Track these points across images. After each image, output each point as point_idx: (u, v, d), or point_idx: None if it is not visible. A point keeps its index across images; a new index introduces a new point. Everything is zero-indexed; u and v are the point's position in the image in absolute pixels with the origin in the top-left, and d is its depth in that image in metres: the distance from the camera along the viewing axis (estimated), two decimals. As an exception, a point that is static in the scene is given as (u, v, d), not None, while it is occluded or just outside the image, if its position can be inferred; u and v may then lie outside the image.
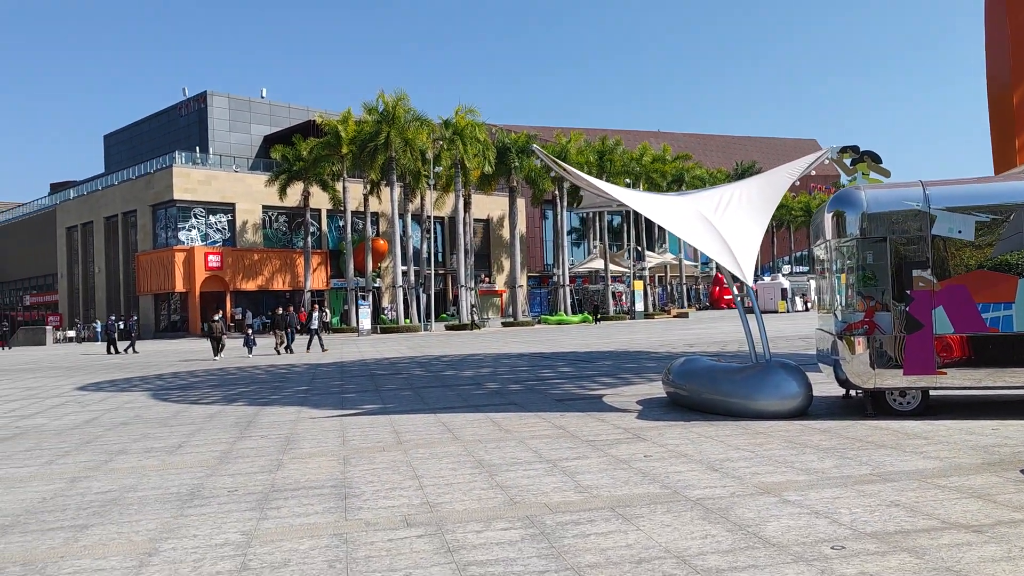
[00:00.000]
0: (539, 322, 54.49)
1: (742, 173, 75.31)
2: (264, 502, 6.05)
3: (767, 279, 69.36)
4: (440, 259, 64.41)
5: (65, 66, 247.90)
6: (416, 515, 5.51)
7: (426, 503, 5.83)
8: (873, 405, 8.96)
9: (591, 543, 4.72)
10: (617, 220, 75.50)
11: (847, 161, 10.54)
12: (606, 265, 61.05)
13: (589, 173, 58.99)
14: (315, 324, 27.38)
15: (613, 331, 37.75)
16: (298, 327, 28.61)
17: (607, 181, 59.66)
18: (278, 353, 25.86)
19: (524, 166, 53.93)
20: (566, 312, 57.32)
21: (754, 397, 9.15)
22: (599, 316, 54.89)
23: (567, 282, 58.84)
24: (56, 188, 79.83)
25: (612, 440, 8.11)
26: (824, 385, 10.66)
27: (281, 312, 27.92)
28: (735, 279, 10.33)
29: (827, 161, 10.78)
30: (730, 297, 68.49)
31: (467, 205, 54.08)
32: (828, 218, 9.29)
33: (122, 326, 33.18)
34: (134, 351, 31.81)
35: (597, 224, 67.76)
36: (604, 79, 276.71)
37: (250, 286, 54.24)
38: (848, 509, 5.26)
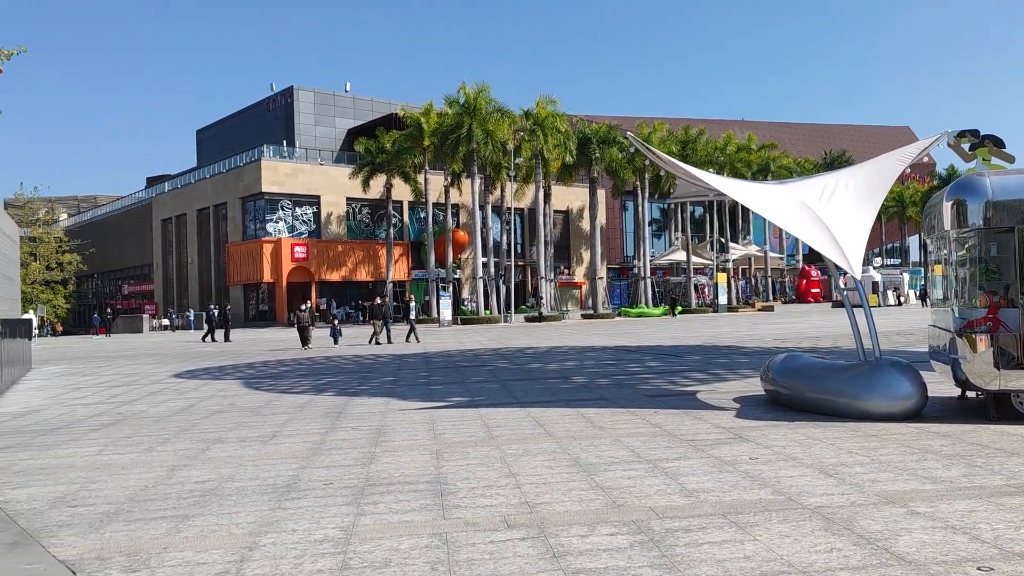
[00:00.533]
0: (619, 314, 53.86)
1: (831, 163, 72.73)
2: (360, 497, 5.95)
3: (857, 272, 66.79)
4: (519, 250, 64.37)
5: (160, 65, 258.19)
6: (516, 516, 5.31)
7: (525, 503, 5.63)
8: (996, 408, 8.33)
9: (706, 553, 4.43)
10: (699, 211, 73.96)
11: (965, 146, 9.83)
12: (688, 257, 59.86)
13: (672, 163, 57.98)
14: (413, 315, 27.60)
15: (696, 324, 36.95)
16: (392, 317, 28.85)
17: (690, 171, 58.64)
18: (378, 343, 25.77)
19: (605, 156, 53.28)
20: (647, 305, 56.49)
21: (864, 397, 8.62)
22: (677, 309, 53.81)
23: (648, 274, 57.93)
24: (152, 182, 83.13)
25: (713, 440, 7.76)
26: (937, 385, 10.01)
27: (378, 302, 27.94)
28: (840, 271, 9.78)
29: (943, 146, 10.08)
30: (817, 291, 66.51)
31: (547, 196, 53.76)
32: (947, 207, 8.66)
33: (216, 315, 34.13)
34: (226, 339, 32.78)
35: (679, 215, 66.39)
36: (686, 69, 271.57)
37: (334, 277, 55.34)
38: (988, 524, 4.80)
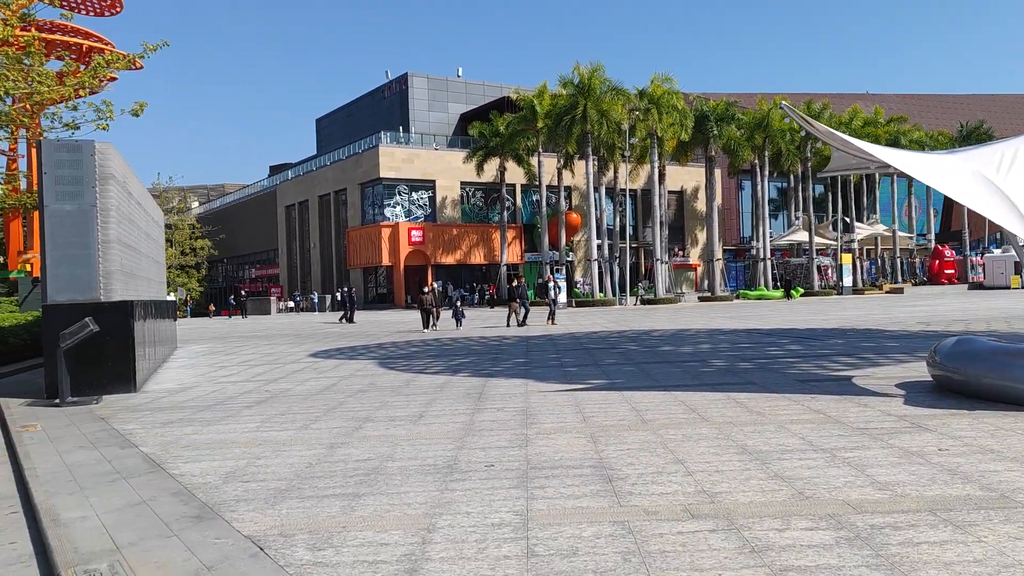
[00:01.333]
0: (738, 297, 52.34)
1: (968, 135, 68.08)
2: (525, 480, 5.80)
3: (996, 251, 62.47)
4: (632, 233, 63.42)
5: (282, 58, 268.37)
6: (697, 505, 5.02)
7: (702, 492, 5.33)
8: None
9: (927, 554, 4.01)
10: (819, 190, 70.89)
11: None
12: (811, 237, 57.41)
13: (793, 140, 55.60)
14: (552, 295, 27.75)
15: (823, 307, 35.36)
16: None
17: (813, 147, 55.88)
18: (519, 325, 25.74)
19: (723, 134, 51.74)
20: (766, 287, 54.62)
21: (1057, 385, 7.84)
22: (795, 292, 51.66)
23: (767, 255, 55.98)
24: (275, 170, 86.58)
25: (888, 429, 7.20)
26: None
27: (515, 284, 27.77)
28: None
29: None
30: (952, 272, 62.57)
31: (661, 176, 52.65)
32: None
33: (339, 297, 35.15)
34: (350, 320, 33.73)
35: (799, 194, 63.74)
36: (807, 44, 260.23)
37: (449, 260, 56.13)
38: None
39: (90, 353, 11.67)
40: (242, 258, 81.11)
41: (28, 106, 20.74)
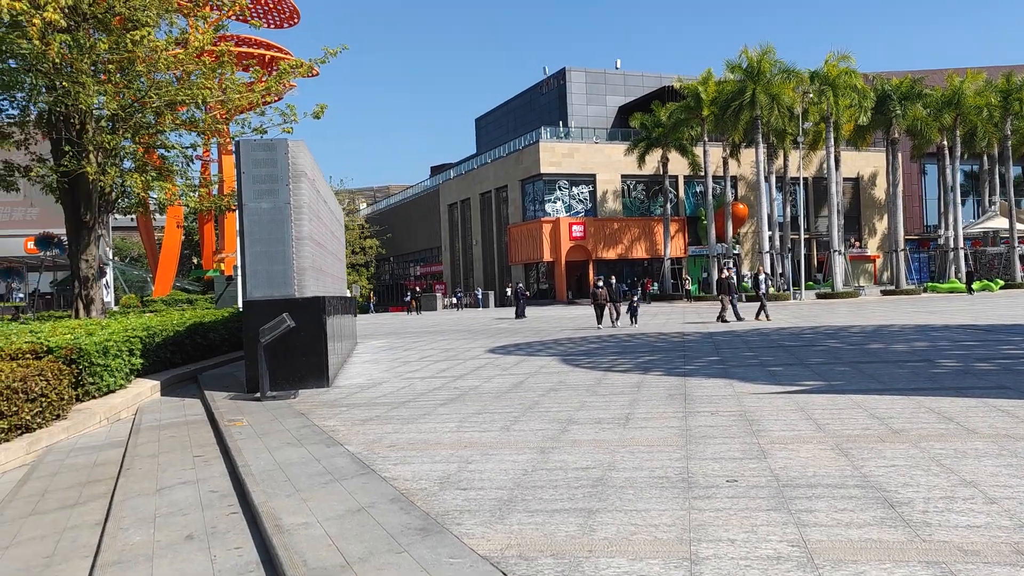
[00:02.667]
0: (925, 290, 48.17)
1: None
2: (783, 501, 4.99)
3: None
4: (801, 223, 59.87)
5: (440, 61, 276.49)
6: (1026, 544, 4.04)
7: (1022, 525, 4.32)
8: None
9: None
10: (1017, 171, 64.28)
11: None
12: (1012, 223, 51.93)
13: (990, 117, 50.48)
14: (763, 288, 25.81)
15: (998, 302, 31.63)
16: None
17: (1016, 123, 50.51)
18: (724, 320, 24.14)
19: (908, 114, 47.71)
20: (959, 279, 49.97)
21: None
22: (977, 284, 46.45)
23: (959, 245, 51.21)
24: (436, 170, 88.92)
25: None
26: None
27: (725, 275, 25.41)
28: None
29: None
30: None
31: (836, 162, 49.31)
32: None
33: (508, 292, 35.09)
34: (521, 316, 33.68)
35: (993, 177, 57.93)
36: (999, 14, 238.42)
37: (610, 255, 55.27)
38: None
39: (286, 348, 11.86)
40: (407, 256, 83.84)
41: (220, 114, 21.90)
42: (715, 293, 25.28)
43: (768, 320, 24.23)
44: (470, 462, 6.54)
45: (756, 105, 43.14)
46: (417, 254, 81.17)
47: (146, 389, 12.37)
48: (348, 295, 21.88)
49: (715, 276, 48.48)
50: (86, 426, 10.16)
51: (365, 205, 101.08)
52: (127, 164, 20.64)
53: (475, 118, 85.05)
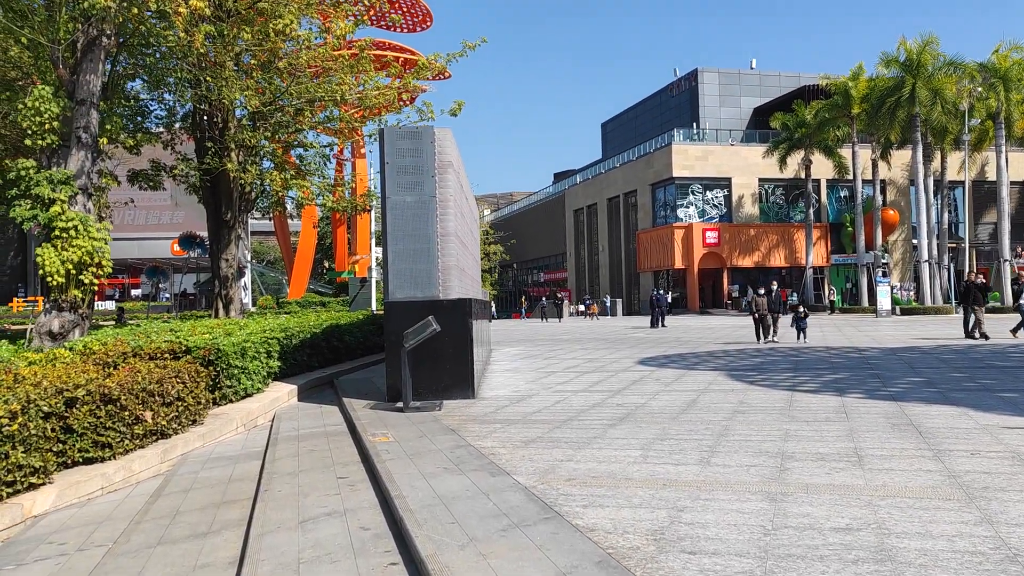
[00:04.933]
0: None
1: None
2: None
3: None
4: (957, 231, 54.90)
5: (565, 65, 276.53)
6: None
7: None
8: None
9: None
10: None
11: None
12: None
13: None
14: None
15: None
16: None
17: None
18: (975, 337, 19.95)
19: (1094, 109, 42.74)
20: None
21: None
22: None
23: None
24: (559, 177, 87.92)
25: None
26: None
27: (973, 279, 21.45)
28: None
29: None
30: None
31: (998, 165, 44.79)
32: None
33: (662, 298, 33.19)
34: (662, 325, 31.97)
35: None
36: None
37: (746, 263, 52.46)
38: None
39: (429, 354, 10.80)
40: (530, 263, 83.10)
41: (357, 113, 21.43)
42: (957, 302, 21.24)
43: (1019, 338, 19.89)
44: (682, 510, 5.12)
45: (915, 101, 39.60)
46: (541, 260, 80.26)
47: (283, 394, 11.61)
48: (486, 298, 20.90)
49: (868, 285, 44.95)
50: (222, 433, 9.39)
51: (489, 211, 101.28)
52: (266, 164, 20.44)
53: (601, 123, 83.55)
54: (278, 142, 18.82)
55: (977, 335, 19.84)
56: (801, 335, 20.34)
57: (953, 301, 41.73)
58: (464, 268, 13.54)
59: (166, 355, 9.61)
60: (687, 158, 52.53)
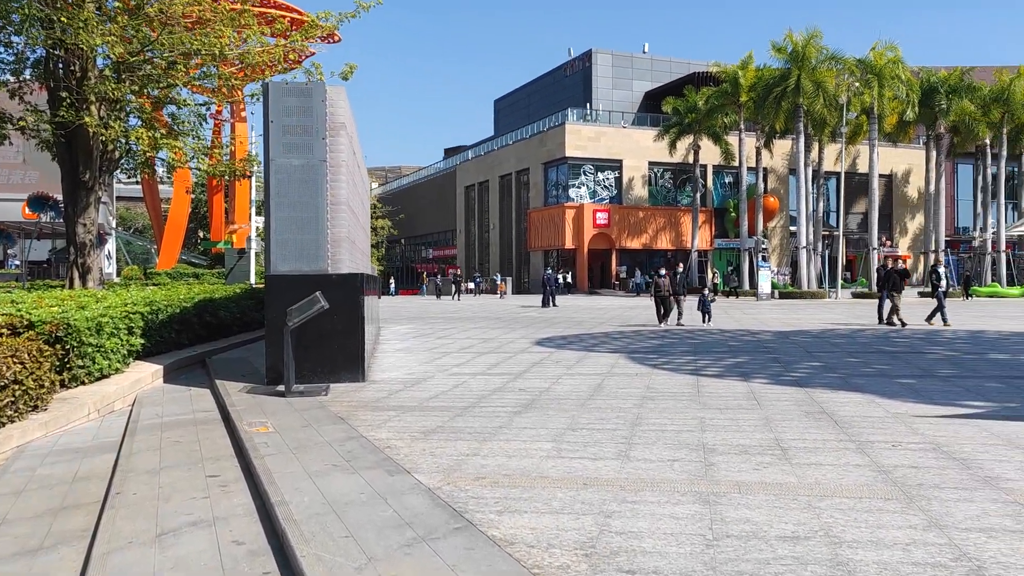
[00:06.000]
0: (969, 294, 45.91)
1: None
2: None
3: None
4: (828, 219, 57.49)
5: (458, 40, 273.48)
6: None
7: None
8: None
9: None
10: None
11: None
12: (1056, 228, 49.64)
13: (1042, 115, 48.05)
14: (943, 285, 20.97)
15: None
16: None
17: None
18: (896, 324, 19.51)
19: (955, 109, 45.41)
20: (1000, 283, 47.81)
21: None
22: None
23: (1003, 248, 49.02)
24: (450, 152, 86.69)
25: None
26: None
27: (892, 265, 20.96)
28: None
29: None
30: None
31: (870, 158, 47.03)
32: None
33: (552, 277, 32.72)
34: (545, 305, 31.67)
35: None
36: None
37: (634, 244, 53.20)
38: None
39: (316, 333, 9.86)
40: (419, 238, 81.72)
41: (238, 72, 19.85)
42: (875, 288, 20.01)
43: (947, 324, 19.61)
44: (610, 516, 4.52)
45: (800, 92, 40.86)
46: (430, 236, 79.04)
47: (147, 375, 10.38)
48: (375, 273, 19.88)
49: (745, 270, 46.40)
50: (70, 420, 8.17)
51: (377, 185, 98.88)
52: (133, 120, 18.63)
53: (494, 100, 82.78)
54: (147, 97, 17.08)
55: (895, 320, 19.48)
56: (706, 318, 20.15)
57: (827, 285, 43.66)
58: (355, 240, 12.59)
59: (2, 330, 8.27)
60: (580, 138, 52.58)
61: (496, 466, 5.72)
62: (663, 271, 20.31)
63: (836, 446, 6.26)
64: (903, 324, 19.32)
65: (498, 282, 52.59)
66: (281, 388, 9.30)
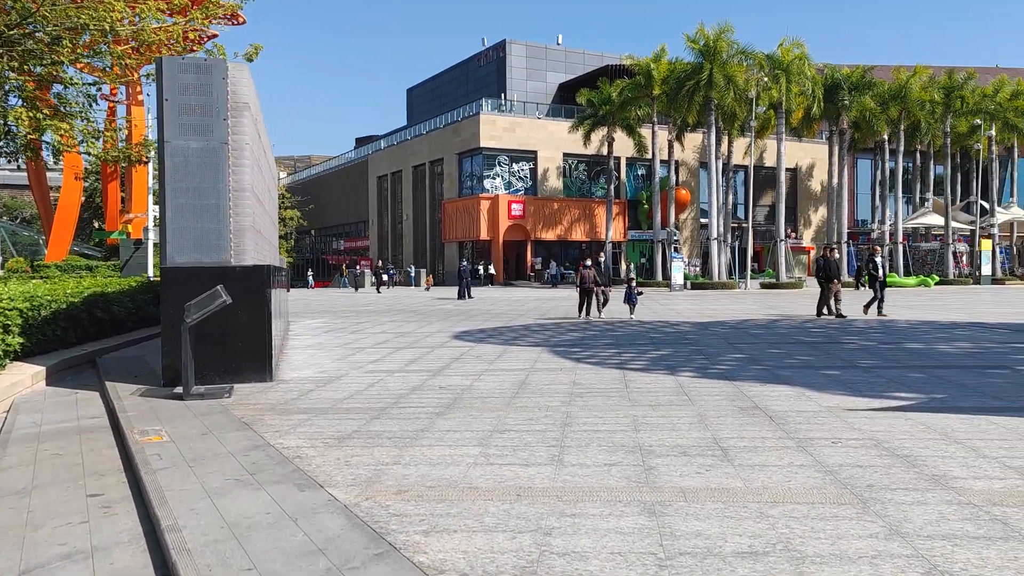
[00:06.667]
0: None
1: None
2: None
3: None
4: (736, 212, 58.94)
5: (368, 28, 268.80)
6: None
7: None
8: None
9: None
10: (939, 169, 65.21)
11: None
12: (947, 220, 52.22)
13: (933, 112, 50.41)
14: (881, 274, 19.63)
15: (984, 297, 31.02)
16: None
17: (954, 121, 50.63)
18: (830, 314, 19.32)
19: (856, 105, 47.02)
20: (897, 274, 49.92)
21: None
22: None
23: (900, 240, 51.17)
24: (361, 142, 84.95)
25: None
26: None
27: (828, 256, 19.80)
28: None
29: None
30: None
31: (778, 152, 48.35)
32: None
33: (468, 269, 32.10)
34: (461, 297, 31.14)
35: (932, 174, 58.51)
36: (927, 10, 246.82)
37: (549, 236, 53.18)
38: None
39: (218, 329, 9.10)
40: (330, 229, 79.82)
41: (131, 50, 18.55)
42: (819, 277, 19.28)
43: (883, 315, 19.31)
44: (549, 532, 4.07)
45: (712, 85, 41.49)
46: (341, 227, 77.26)
47: (26, 377, 9.38)
48: (283, 264, 18.95)
49: (662, 261, 46.95)
50: (-68, 433, 7.21)
51: (285, 174, 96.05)
52: (13, 100, 17.16)
53: (407, 88, 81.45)
54: (28, 75, 15.71)
55: (832, 312, 19.15)
56: (632, 310, 19.61)
57: (737, 276, 44.60)
58: (261, 230, 11.79)
59: None
60: (495, 129, 52.14)
61: (419, 476, 5.20)
62: (588, 262, 19.75)
63: (776, 444, 6.00)
64: (835, 314, 19.01)
65: (413, 273, 51.77)
66: (179, 390, 8.52)
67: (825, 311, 19.38)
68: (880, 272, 19.62)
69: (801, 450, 5.79)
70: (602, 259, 20.46)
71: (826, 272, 19.28)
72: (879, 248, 25.17)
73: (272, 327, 9.78)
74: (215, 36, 26.90)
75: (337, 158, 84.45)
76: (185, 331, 8.30)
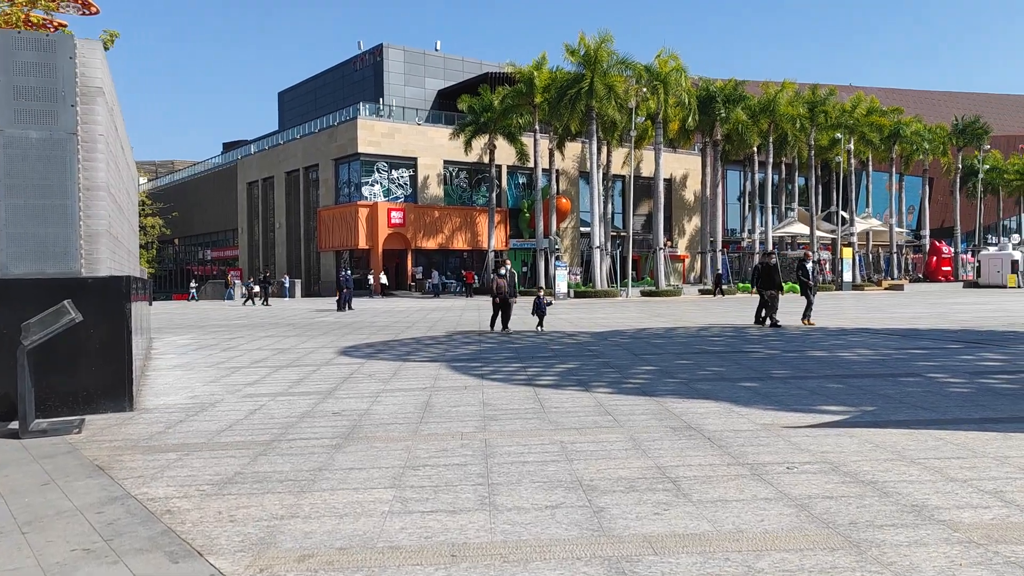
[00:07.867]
0: (739, 291, 49.42)
1: (964, 129, 66.18)
2: None
3: (992, 249, 60.97)
4: (615, 221, 59.91)
5: (238, 29, 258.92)
6: None
7: None
8: None
9: None
10: (802, 181, 68.81)
11: None
12: (812, 230, 54.85)
13: (799, 126, 52.86)
14: (813, 282, 19.63)
15: (848, 304, 32.49)
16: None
17: (817, 135, 53.30)
18: (765, 324, 18.58)
19: (731, 117, 48.61)
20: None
21: None
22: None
23: (769, 248, 53.23)
24: (229, 147, 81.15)
25: None
26: None
27: (767, 262, 18.96)
28: None
29: None
30: (948, 269, 60.89)
31: (656, 162, 49.40)
32: None
33: (349, 279, 30.54)
34: (341, 308, 29.66)
35: (794, 185, 61.46)
36: (785, 29, 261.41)
37: (430, 244, 52.13)
38: None
39: (65, 352, 7.74)
40: (196, 238, 75.61)
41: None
42: (759, 285, 18.46)
43: (810, 323, 18.85)
44: (505, 613, 3.21)
45: (594, 94, 41.74)
46: (209, 236, 73.27)
47: None
48: (144, 275, 17.14)
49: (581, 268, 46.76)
50: None
51: (146, 179, 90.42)
52: None
53: (278, 92, 78.37)
54: None
55: (769, 321, 18.51)
56: (541, 321, 18.43)
57: (618, 285, 45.01)
58: (118, 236, 10.35)
59: None
60: (373, 134, 50.65)
61: (326, 533, 4.22)
62: (503, 270, 18.38)
63: (728, 472, 5.37)
64: (777, 325, 18.28)
65: (287, 284, 49.45)
66: (15, 426, 7.10)
67: (767, 320, 18.62)
68: (810, 279, 19.26)
69: (758, 479, 5.18)
70: (507, 265, 18.98)
71: (765, 280, 18.42)
72: (810, 254, 24.83)
73: (132, 347, 8.43)
74: (64, 25, 24.48)
75: (203, 163, 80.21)
76: (22, 355, 6.90)
